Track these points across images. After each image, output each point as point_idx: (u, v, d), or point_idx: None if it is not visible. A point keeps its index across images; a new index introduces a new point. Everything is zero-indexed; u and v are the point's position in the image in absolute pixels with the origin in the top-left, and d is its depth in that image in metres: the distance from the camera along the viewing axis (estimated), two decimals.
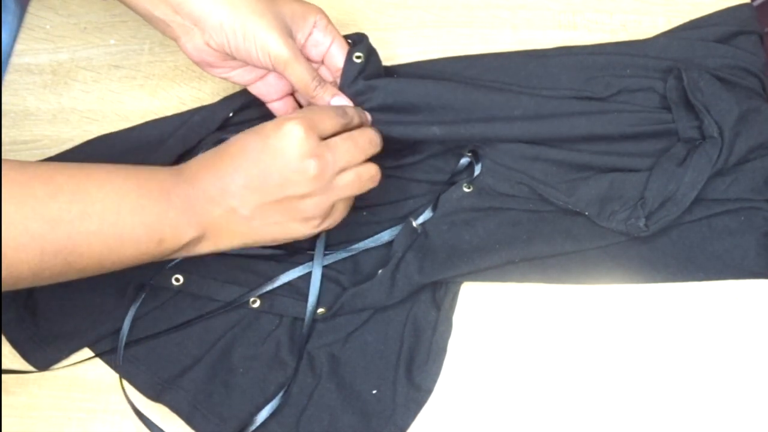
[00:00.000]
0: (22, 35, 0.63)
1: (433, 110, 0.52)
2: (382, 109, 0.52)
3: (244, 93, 0.56)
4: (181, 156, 0.55)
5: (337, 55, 0.52)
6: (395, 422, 0.50)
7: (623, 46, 0.58)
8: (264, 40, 0.47)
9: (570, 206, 0.52)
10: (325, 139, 0.45)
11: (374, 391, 0.51)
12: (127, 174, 0.44)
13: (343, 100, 0.51)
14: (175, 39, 0.50)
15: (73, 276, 0.43)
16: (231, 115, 0.57)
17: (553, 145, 0.53)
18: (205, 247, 0.46)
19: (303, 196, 0.44)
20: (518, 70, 0.58)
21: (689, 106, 0.54)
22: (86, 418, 0.52)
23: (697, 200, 0.51)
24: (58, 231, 0.40)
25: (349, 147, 0.46)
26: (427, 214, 0.53)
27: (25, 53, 0.63)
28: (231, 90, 0.60)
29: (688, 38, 0.58)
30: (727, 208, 0.53)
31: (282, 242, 0.48)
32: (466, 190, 0.54)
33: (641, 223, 0.51)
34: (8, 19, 0.63)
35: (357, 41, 0.53)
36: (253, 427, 0.49)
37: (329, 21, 0.52)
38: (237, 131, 0.55)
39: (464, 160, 0.55)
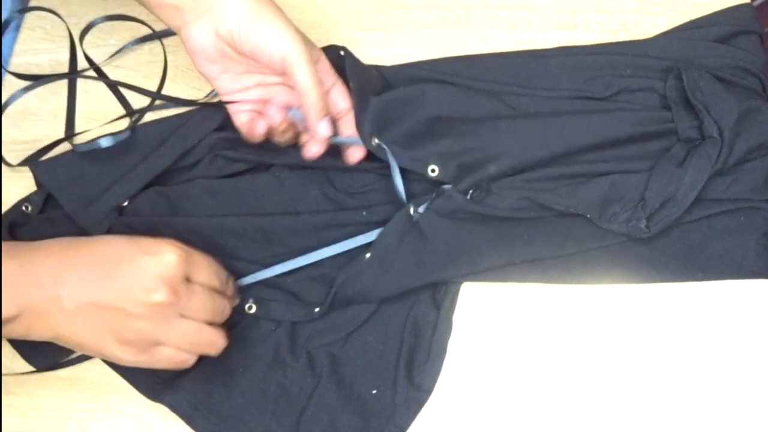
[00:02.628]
0: (22, 35, 0.63)
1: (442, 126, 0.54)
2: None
3: None
4: (182, 155, 0.55)
5: (338, 98, 0.53)
6: (395, 422, 0.50)
7: (623, 46, 0.58)
8: (279, 30, 0.47)
9: (571, 209, 0.52)
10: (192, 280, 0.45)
11: (374, 391, 0.51)
12: None
13: (326, 124, 0.50)
14: (179, 27, 0.49)
15: None
16: None
17: (550, 165, 0.53)
18: (16, 330, 0.42)
19: (133, 316, 0.42)
20: (518, 71, 0.58)
21: (689, 106, 0.54)
22: (86, 418, 0.52)
23: (697, 200, 0.51)
24: None
25: (206, 301, 0.45)
26: (428, 204, 0.53)
27: (25, 53, 0.63)
28: None
29: (688, 38, 0.58)
30: (727, 208, 0.53)
31: (89, 353, 0.46)
32: (466, 197, 0.53)
33: (642, 224, 0.51)
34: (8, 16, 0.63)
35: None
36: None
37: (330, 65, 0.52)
38: (236, 129, 0.56)
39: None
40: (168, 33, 0.62)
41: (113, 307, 0.42)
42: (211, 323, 0.46)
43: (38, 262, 0.42)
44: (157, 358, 0.45)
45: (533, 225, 0.53)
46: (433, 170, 0.53)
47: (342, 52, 0.55)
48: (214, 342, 0.46)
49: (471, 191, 0.53)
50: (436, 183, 0.55)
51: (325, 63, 0.52)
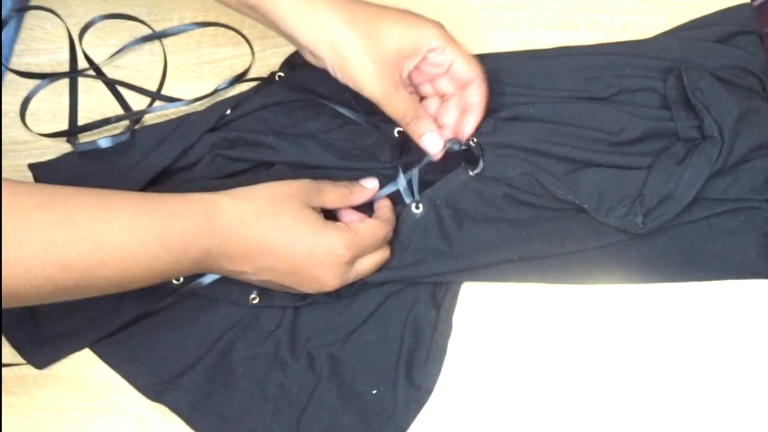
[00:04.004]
0: (22, 35, 0.63)
1: None
2: None
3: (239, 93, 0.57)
4: (181, 154, 0.55)
5: (462, 71, 0.52)
6: (395, 422, 0.50)
7: (623, 46, 0.58)
8: (358, 80, 0.49)
9: (570, 197, 0.52)
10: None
11: (374, 391, 0.51)
12: (151, 218, 0.43)
13: (435, 138, 0.52)
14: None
15: (75, 298, 0.44)
16: (228, 112, 0.57)
17: (555, 143, 0.53)
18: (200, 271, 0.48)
19: (309, 289, 0.49)
20: (518, 71, 0.58)
21: (689, 105, 0.54)
22: (86, 418, 0.52)
23: (697, 200, 0.51)
24: (72, 275, 0.41)
25: (370, 269, 0.51)
26: (430, 193, 0.53)
27: (25, 53, 0.63)
28: (231, 92, 0.60)
29: (688, 38, 0.58)
30: (727, 208, 0.53)
31: None
32: (471, 173, 0.53)
33: (639, 220, 0.50)
34: (8, 30, 0.63)
35: None
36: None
37: (449, 39, 0.51)
38: (235, 128, 0.56)
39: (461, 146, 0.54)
40: (168, 33, 0.62)
41: (292, 287, 0.49)
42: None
43: (233, 243, 0.46)
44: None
45: (533, 223, 0.53)
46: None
47: None
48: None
49: (476, 169, 0.53)
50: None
51: (439, 45, 0.51)
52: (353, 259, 0.49)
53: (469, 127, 0.53)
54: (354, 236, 0.48)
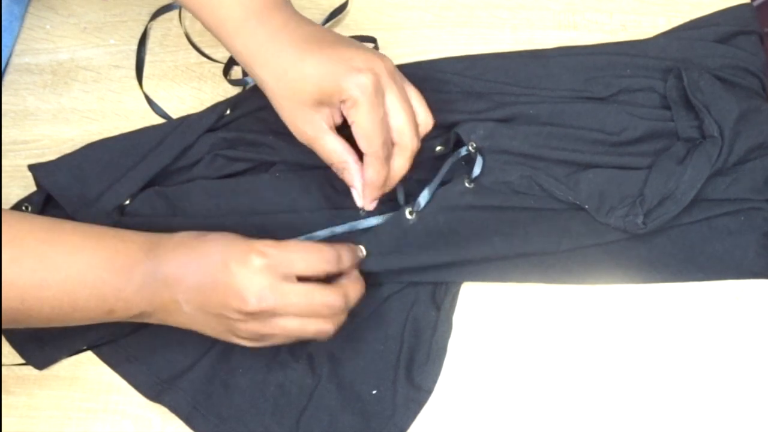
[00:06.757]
0: (22, 35, 0.63)
1: None
2: None
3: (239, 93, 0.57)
4: (181, 153, 0.56)
5: (359, 138, 0.47)
6: (395, 422, 0.50)
7: (623, 46, 0.58)
8: (285, 121, 0.48)
9: (570, 198, 0.52)
10: (290, 276, 0.44)
11: (374, 392, 0.51)
12: (98, 243, 0.45)
13: (355, 195, 0.50)
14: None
15: (20, 327, 0.44)
16: (228, 112, 0.57)
17: (554, 147, 0.53)
18: (152, 320, 0.47)
19: (237, 321, 0.44)
20: (518, 71, 0.58)
21: (689, 105, 0.54)
22: (86, 418, 0.52)
23: (697, 200, 0.51)
24: (12, 293, 0.41)
25: (300, 301, 0.44)
26: (423, 198, 0.52)
27: (25, 53, 0.63)
28: (231, 92, 0.60)
29: (688, 38, 0.58)
30: (727, 209, 0.53)
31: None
32: (467, 185, 0.53)
33: (639, 220, 0.50)
34: (10, 17, 0.63)
35: None
36: None
37: (366, 96, 0.45)
38: (235, 128, 0.56)
39: (463, 151, 0.53)
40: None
41: (219, 314, 0.44)
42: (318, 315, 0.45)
43: (171, 261, 0.45)
44: (275, 341, 0.47)
45: (531, 222, 0.53)
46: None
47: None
48: (321, 330, 0.46)
49: (472, 178, 0.52)
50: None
51: (353, 98, 0.46)
52: (274, 271, 0.43)
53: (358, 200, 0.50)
54: (284, 248, 0.44)
